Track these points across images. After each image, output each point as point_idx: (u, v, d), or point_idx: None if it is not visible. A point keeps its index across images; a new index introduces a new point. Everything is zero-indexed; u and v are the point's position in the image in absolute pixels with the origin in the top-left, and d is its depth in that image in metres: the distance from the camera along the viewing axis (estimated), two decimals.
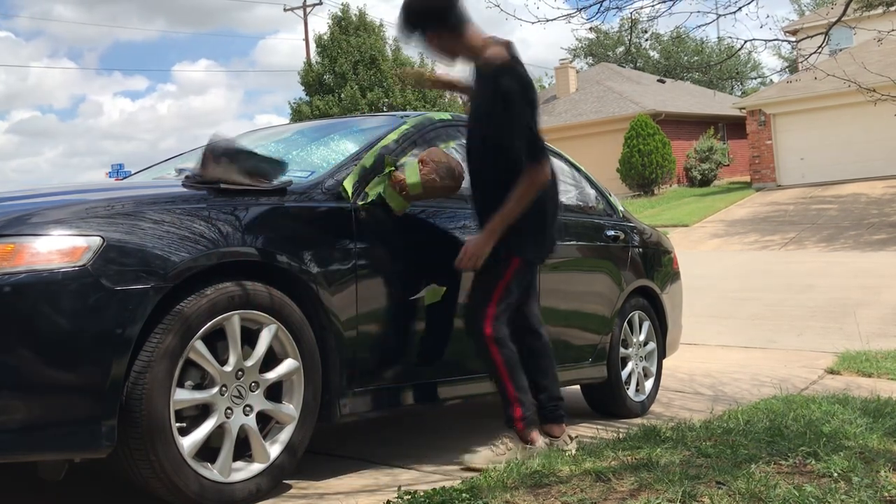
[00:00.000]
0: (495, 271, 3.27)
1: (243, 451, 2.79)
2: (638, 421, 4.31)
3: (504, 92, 3.14)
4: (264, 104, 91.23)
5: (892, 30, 7.57)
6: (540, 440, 3.26)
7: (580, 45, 45.79)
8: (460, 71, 3.54)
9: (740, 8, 5.79)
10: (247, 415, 2.77)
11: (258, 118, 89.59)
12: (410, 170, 3.29)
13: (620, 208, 4.97)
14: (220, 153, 2.91)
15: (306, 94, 28.63)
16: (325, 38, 28.29)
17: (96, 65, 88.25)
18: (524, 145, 3.18)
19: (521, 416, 3.22)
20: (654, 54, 47.02)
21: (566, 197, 4.35)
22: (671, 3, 5.77)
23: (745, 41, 6.45)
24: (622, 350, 4.62)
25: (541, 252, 3.43)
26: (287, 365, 2.89)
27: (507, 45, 3.25)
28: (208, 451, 2.69)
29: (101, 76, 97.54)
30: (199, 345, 2.64)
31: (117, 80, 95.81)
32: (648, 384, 4.82)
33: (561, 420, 3.38)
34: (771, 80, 30.51)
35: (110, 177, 24.63)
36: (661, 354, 5.01)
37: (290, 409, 2.90)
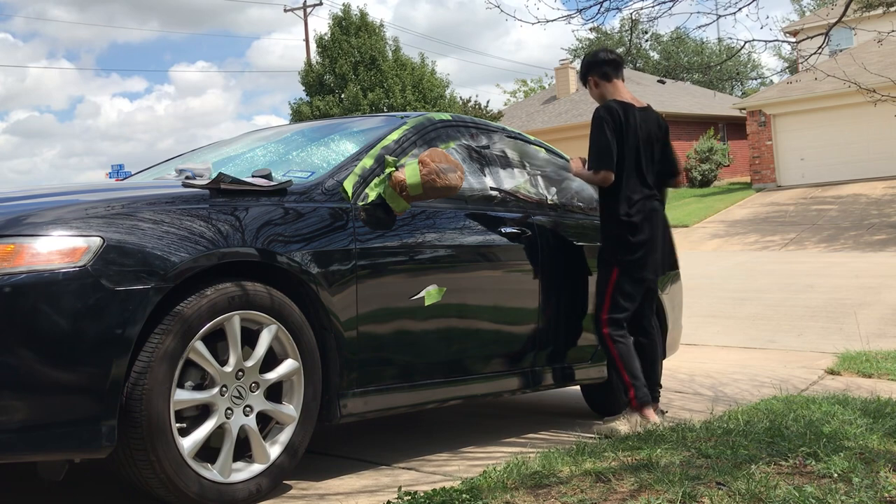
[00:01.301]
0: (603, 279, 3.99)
1: (243, 451, 2.79)
2: None
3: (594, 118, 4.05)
4: (262, 105, 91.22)
5: (893, 30, 7.57)
6: (654, 417, 3.86)
7: (580, 45, 45.80)
8: None
9: (740, 9, 5.79)
10: (247, 415, 2.77)
11: (256, 119, 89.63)
12: (410, 170, 3.29)
13: None
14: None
15: (307, 95, 28.62)
16: (326, 38, 28.28)
17: (93, 66, 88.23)
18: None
19: (633, 396, 3.88)
20: (654, 55, 47.04)
21: (567, 198, 4.36)
22: (671, 3, 5.77)
23: (746, 42, 6.44)
24: None
25: (644, 268, 3.96)
26: (287, 365, 2.89)
27: (621, 102, 4.03)
28: (208, 451, 2.69)
29: (99, 77, 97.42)
30: (199, 345, 2.64)
31: (115, 80, 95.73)
32: None
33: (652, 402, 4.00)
34: (771, 80, 30.46)
35: (110, 177, 24.62)
36: (662, 355, 5.00)
37: (290, 409, 2.90)
